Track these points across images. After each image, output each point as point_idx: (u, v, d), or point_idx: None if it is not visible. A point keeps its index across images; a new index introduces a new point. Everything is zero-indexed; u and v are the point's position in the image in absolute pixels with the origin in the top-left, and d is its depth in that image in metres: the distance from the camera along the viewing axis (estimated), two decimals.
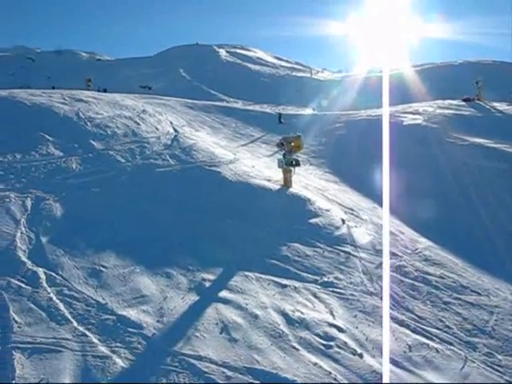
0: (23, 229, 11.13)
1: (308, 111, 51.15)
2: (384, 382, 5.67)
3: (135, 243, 11.54)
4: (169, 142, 18.65)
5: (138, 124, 19.62)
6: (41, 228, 11.35)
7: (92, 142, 16.57)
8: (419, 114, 33.37)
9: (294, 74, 76.01)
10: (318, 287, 10.94)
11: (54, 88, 42.53)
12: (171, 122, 22.66)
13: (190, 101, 43.63)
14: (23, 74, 73.75)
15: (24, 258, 10.11)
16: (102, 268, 10.34)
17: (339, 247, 13.12)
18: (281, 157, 17.19)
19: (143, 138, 18.27)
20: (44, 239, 10.96)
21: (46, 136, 15.89)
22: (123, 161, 15.83)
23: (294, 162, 16.94)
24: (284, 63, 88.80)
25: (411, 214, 18.92)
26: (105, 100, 21.61)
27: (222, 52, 77.97)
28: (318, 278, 11.33)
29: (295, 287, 10.62)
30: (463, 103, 36.02)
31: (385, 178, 6.54)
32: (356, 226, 14.94)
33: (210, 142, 23.25)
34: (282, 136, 34.64)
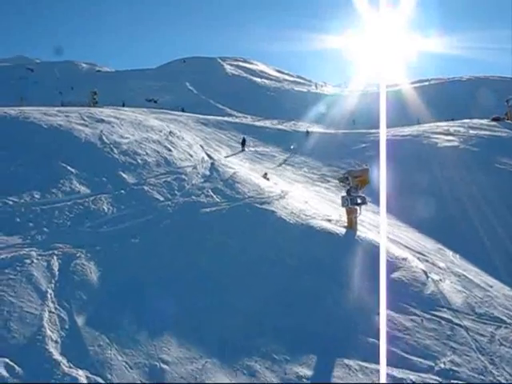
0: (51, 305, 8.07)
1: (318, 129, 48.62)
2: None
3: (196, 317, 8.61)
4: (207, 173, 15.71)
5: (169, 150, 16.66)
6: (74, 302, 8.30)
7: (122, 173, 13.56)
8: (451, 134, 30.81)
9: (298, 87, 73.69)
10: (438, 379, 8.24)
11: (62, 105, 39.48)
12: (202, 146, 19.77)
13: (201, 116, 40.81)
14: (22, 84, 70.48)
15: (57, 355, 7.08)
16: (162, 364, 7.41)
17: (436, 313, 10.56)
18: (344, 194, 14.31)
19: (178, 168, 15.30)
20: (80, 320, 7.93)
21: (68, 167, 12.85)
22: (161, 199, 12.83)
23: (360, 201, 14.09)
24: (286, 76, 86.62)
25: (489, 259, 16.24)
26: (127, 120, 18.64)
27: (227, 65, 75.41)
28: (431, 363, 8.71)
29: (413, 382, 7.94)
30: (494, 123, 33.62)
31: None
32: (441, 280, 12.41)
33: (240, 165, 20.37)
34: (303, 157, 32.05)
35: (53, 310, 7.98)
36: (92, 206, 11.44)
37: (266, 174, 19.19)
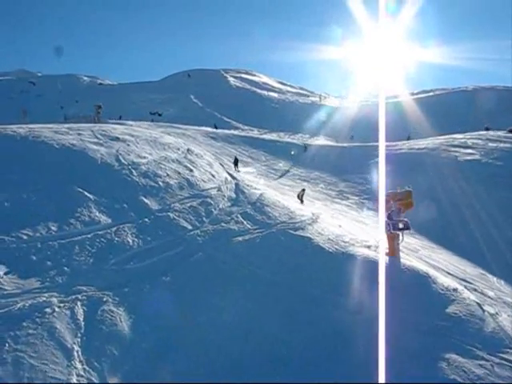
0: (79, 366, 6.72)
1: (327, 142, 47.51)
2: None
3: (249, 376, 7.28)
4: (233, 195, 14.42)
5: (190, 170, 15.37)
6: (105, 361, 6.95)
7: (144, 199, 12.25)
8: (470, 147, 29.64)
9: (302, 99, 72.72)
10: None
11: (66, 118, 38.24)
12: (222, 165, 18.50)
13: (210, 130, 39.65)
14: (24, 98, 69.33)
15: None
16: None
17: (504, 355, 9.36)
18: (385, 219, 13.02)
19: (202, 190, 14.00)
20: None
21: (86, 192, 11.53)
22: (189, 227, 11.51)
23: (402, 226, 12.82)
24: (289, 88, 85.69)
25: None
26: (142, 137, 17.37)
27: (230, 77, 74.45)
28: None
29: None
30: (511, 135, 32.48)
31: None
32: (497, 314, 11.34)
33: (262, 185, 19.10)
34: (317, 171, 30.80)
35: (81, 373, 6.63)
36: (115, 239, 10.10)
37: (300, 195, 17.93)
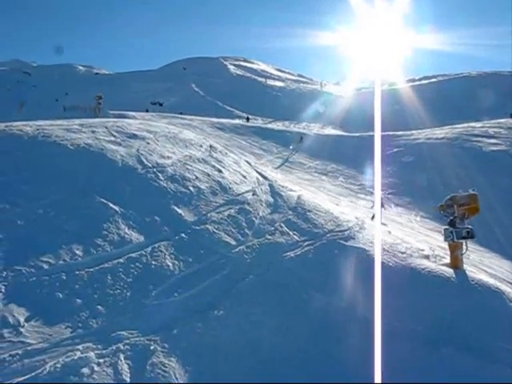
0: None
1: (332, 131, 45.66)
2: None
3: None
4: (270, 199, 12.64)
5: (219, 171, 13.53)
6: None
7: (176, 208, 10.42)
8: (493, 137, 27.96)
9: (303, 87, 70.56)
10: None
11: (65, 110, 36.00)
12: (248, 162, 16.66)
13: (215, 120, 37.62)
14: (20, 88, 66.58)
15: None
16: None
17: None
18: (447, 226, 11.31)
19: (237, 195, 12.19)
20: None
21: (110, 204, 9.67)
22: (233, 242, 9.73)
23: (467, 234, 11.10)
24: (288, 75, 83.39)
25: None
26: (161, 134, 15.47)
27: (230, 65, 71.95)
28: None
29: None
30: None
31: None
32: None
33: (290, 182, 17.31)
34: (333, 163, 28.99)
35: None
36: (152, 263, 8.29)
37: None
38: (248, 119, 42.94)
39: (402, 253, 11.14)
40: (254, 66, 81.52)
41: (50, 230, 8.41)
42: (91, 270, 7.66)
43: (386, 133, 34.35)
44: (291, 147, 30.03)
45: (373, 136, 32.05)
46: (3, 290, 6.72)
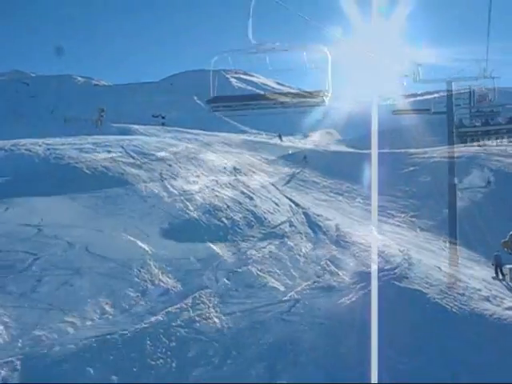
0: None
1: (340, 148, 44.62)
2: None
3: None
4: (308, 230, 11.23)
5: (250, 198, 12.13)
6: None
7: (212, 246, 8.96)
8: None
9: (305, 101, 69.59)
10: None
11: (65, 121, 34.57)
12: (274, 185, 15.29)
13: (222, 135, 36.33)
14: (18, 99, 64.97)
15: None
16: None
17: None
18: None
19: (274, 227, 10.76)
20: None
21: (138, 242, 8.20)
22: (281, 288, 8.28)
23: None
24: (288, 89, 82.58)
25: None
26: (180, 154, 14.13)
27: (232, 78, 70.97)
28: None
29: None
30: None
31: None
32: None
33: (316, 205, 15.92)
34: (348, 183, 27.68)
35: None
36: (196, 319, 6.79)
37: None
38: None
39: (462, 295, 9.80)
40: (254, 79, 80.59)
41: (71, 280, 6.89)
42: (125, 332, 6.15)
43: (398, 150, 33.24)
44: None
45: (383, 153, 30.57)
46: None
